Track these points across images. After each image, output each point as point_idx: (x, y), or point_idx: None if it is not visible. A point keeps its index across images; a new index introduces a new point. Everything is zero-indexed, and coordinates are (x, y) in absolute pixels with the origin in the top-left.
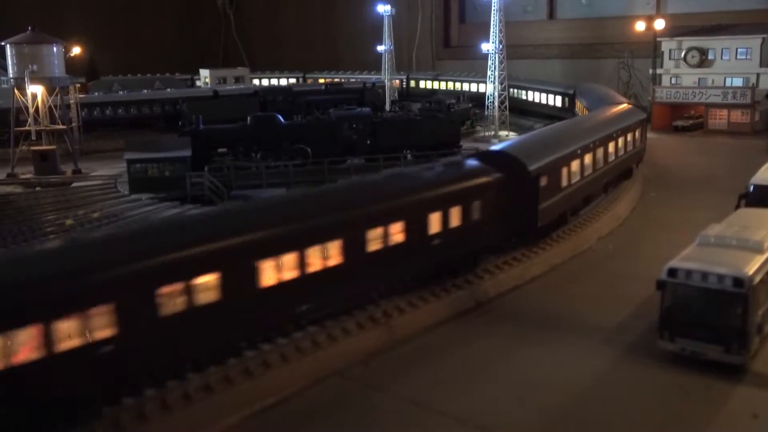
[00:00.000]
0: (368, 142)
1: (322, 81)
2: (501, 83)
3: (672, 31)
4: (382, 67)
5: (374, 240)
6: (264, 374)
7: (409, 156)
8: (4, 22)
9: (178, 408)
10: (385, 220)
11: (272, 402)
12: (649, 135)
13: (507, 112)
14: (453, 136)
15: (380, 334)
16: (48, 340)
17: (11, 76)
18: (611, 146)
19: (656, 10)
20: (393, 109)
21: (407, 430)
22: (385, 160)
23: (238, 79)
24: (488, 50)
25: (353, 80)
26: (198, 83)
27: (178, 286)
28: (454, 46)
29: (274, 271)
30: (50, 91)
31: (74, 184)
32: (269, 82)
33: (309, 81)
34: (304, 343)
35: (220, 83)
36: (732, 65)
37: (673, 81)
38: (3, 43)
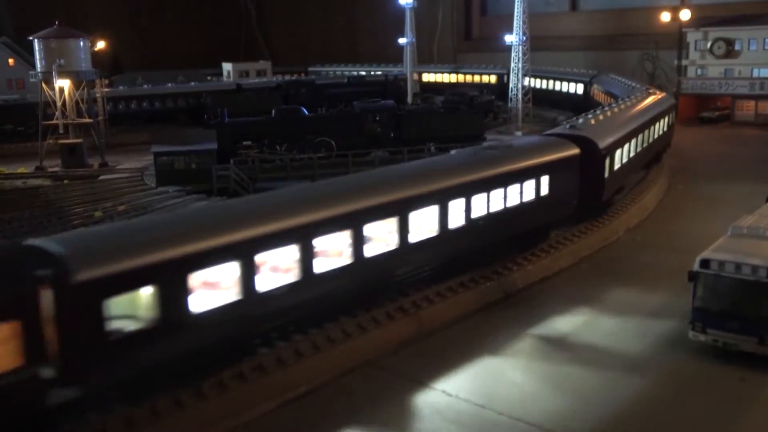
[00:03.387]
0: (392, 134)
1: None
2: (524, 75)
3: (698, 22)
4: (404, 59)
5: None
6: (296, 363)
7: (432, 148)
8: (29, 17)
9: (213, 396)
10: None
11: (304, 390)
12: (676, 127)
13: (530, 104)
14: (476, 128)
15: (410, 325)
16: None
17: (39, 70)
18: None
19: (681, 1)
20: (415, 102)
21: (440, 419)
22: (409, 153)
23: (260, 73)
24: (512, 42)
25: (354, 74)
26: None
27: None
28: (476, 39)
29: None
30: (77, 85)
31: (101, 177)
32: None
33: (300, 75)
34: (335, 333)
35: (242, 77)
36: (759, 56)
37: (699, 72)
38: (31, 38)
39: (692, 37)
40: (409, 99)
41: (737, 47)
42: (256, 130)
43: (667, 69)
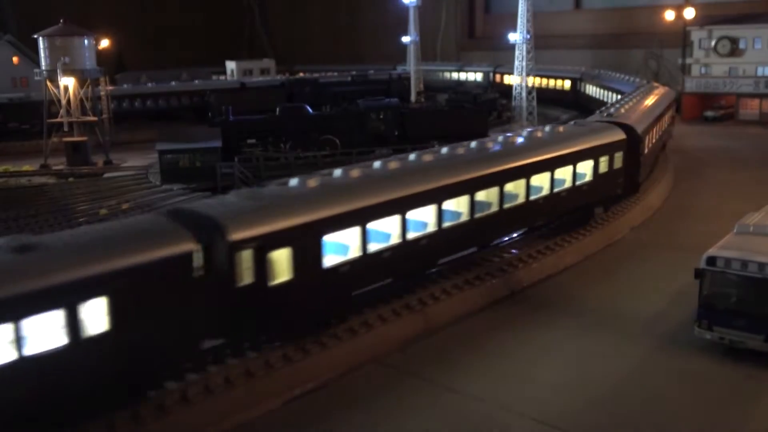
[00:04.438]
0: (396, 132)
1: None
2: (528, 73)
3: (702, 20)
4: (408, 58)
5: None
6: (303, 360)
7: (436, 146)
8: (34, 14)
9: (220, 392)
10: None
11: (311, 387)
12: (679, 126)
13: (534, 103)
14: (480, 126)
15: (416, 322)
16: None
17: (44, 68)
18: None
19: None
20: (419, 100)
21: (445, 416)
22: (413, 151)
23: (264, 71)
24: (515, 40)
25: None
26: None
27: None
28: (479, 37)
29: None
30: (81, 83)
31: (106, 175)
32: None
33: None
34: (341, 330)
35: (246, 75)
36: (764, 54)
37: (703, 71)
38: (35, 36)
39: (696, 35)
40: (413, 97)
41: (741, 46)
42: (260, 128)
43: (671, 68)
